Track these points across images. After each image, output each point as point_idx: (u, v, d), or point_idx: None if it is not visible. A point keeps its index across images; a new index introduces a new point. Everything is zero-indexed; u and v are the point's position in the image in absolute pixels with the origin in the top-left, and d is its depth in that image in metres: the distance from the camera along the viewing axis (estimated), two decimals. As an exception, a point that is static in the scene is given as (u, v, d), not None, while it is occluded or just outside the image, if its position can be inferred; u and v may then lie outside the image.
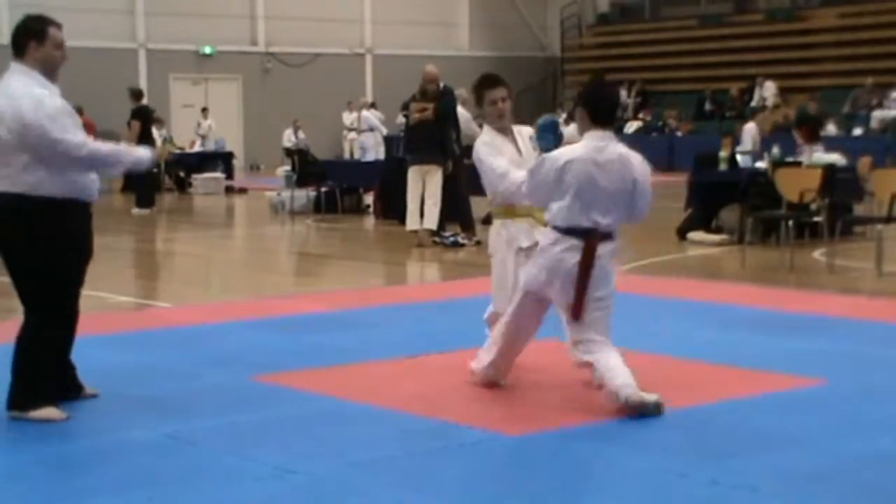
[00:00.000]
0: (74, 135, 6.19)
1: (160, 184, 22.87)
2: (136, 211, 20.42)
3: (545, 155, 6.61)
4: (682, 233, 15.09)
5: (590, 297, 6.46)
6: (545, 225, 7.01)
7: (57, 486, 5.27)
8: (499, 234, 7.42)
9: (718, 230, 15.06)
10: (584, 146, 6.45)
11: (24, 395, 6.23)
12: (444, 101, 14.92)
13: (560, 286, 6.47)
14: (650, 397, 6.21)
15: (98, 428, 6.13)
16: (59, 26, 6.52)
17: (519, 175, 7.01)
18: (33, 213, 6.15)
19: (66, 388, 6.51)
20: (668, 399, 6.29)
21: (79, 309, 6.47)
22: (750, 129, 23.53)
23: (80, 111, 31.15)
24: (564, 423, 6.19)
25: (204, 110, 31.26)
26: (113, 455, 5.70)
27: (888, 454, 5.58)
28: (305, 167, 20.75)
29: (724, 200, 15.03)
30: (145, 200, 20.73)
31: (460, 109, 15.84)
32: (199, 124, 31.07)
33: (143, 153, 6.54)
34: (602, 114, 6.55)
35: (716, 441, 5.83)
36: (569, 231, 6.44)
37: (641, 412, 6.16)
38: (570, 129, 32.87)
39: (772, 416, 6.30)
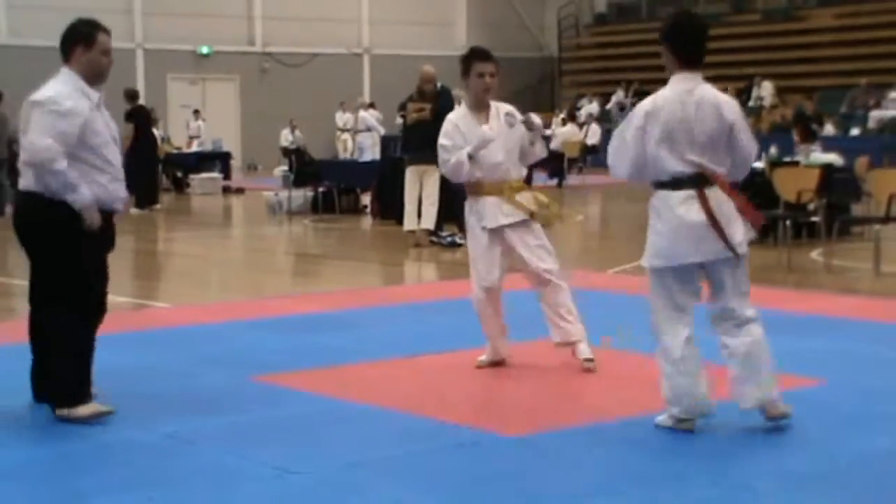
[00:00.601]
0: (44, 139, 6.12)
1: (158, 184, 22.79)
2: (135, 211, 20.40)
3: (630, 113, 6.07)
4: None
5: (733, 243, 5.83)
6: (514, 197, 7.39)
7: (57, 486, 5.27)
8: (469, 213, 7.58)
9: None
10: (671, 89, 5.94)
11: (70, 394, 6.21)
12: (441, 101, 14.91)
13: (694, 243, 5.84)
14: (786, 408, 5.93)
15: (97, 428, 6.12)
16: (108, 32, 6.59)
17: (459, 154, 7.30)
18: (52, 213, 6.18)
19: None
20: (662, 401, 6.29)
21: (105, 306, 6.62)
22: None
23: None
24: (563, 423, 6.20)
25: (196, 112, 31.22)
26: (112, 455, 5.70)
27: (887, 454, 5.59)
28: (303, 167, 20.74)
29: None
30: (145, 200, 20.70)
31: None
32: (187, 124, 31.05)
33: (89, 212, 6.24)
34: (691, 53, 5.99)
35: (715, 441, 5.83)
36: (676, 182, 5.86)
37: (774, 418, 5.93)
38: (565, 129, 32.73)
39: (770, 416, 6.30)
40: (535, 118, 7.69)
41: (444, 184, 14.73)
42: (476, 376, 7.39)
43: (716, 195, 5.87)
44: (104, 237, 6.40)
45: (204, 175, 26.35)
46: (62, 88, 6.28)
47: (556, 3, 40.47)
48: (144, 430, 6.07)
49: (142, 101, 22.82)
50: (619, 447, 5.75)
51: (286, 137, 31.38)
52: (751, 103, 32.10)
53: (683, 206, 5.83)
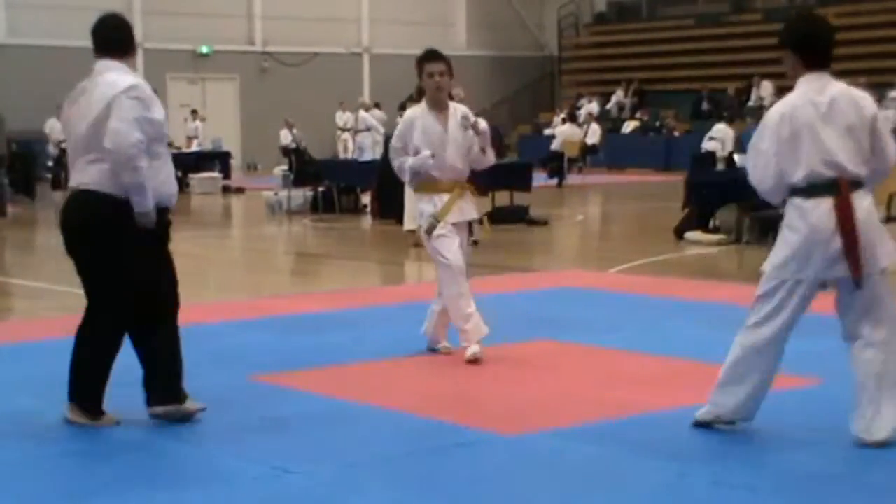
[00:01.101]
0: (135, 133, 5.89)
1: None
2: None
3: (761, 123, 5.75)
4: (679, 233, 15.09)
5: (867, 263, 5.51)
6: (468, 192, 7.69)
7: (56, 486, 5.26)
8: (428, 204, 7.80)
9: (716, 230, 15.06)
10: (800, 90, 5.63)
11: (176, 389, 6.21)
12: None
13: (822, 258, 5.54)
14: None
15: (97, 429, 6.11)
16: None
17: (402, 162, 7.68)
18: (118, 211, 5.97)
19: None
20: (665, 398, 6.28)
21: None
22: (722, 130, 23.07)
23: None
24: (562, 423, 6.19)
25: (194, 112, 31.17)
26: (110, 455, 5.69)
27: (886, 454, 5.57)
28: (302, 167, 20.74)
29: (722, 200, 15.03)
30: None
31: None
32: (185, 120, 31.01)
33: (148, 209, 6.03)
34: (817, 56, 5.69)
35: (714, 441, 5.82)
36: (811, 189, 5.52)
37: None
38: (565, 129, 32.73)
39: (770, 415, 6.28)
40: (483, 124, 7.90)
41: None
42: (473, 376, 7.38)
43: (860, 203, 5.54)
44: (165, 233, 6.24)
45: (204, 174, 26.35)
46: (136, 79, 6.07)
47: (555, 3, 40.48)
48: (143, 429, 6.06)
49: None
50: (618, 447, 5.73)
51: (286, 137, 31.38)
52: (751, 103, 32.08)
53: (818, 215, 5.52)
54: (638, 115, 35.01)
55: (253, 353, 8.06)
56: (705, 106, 33.60)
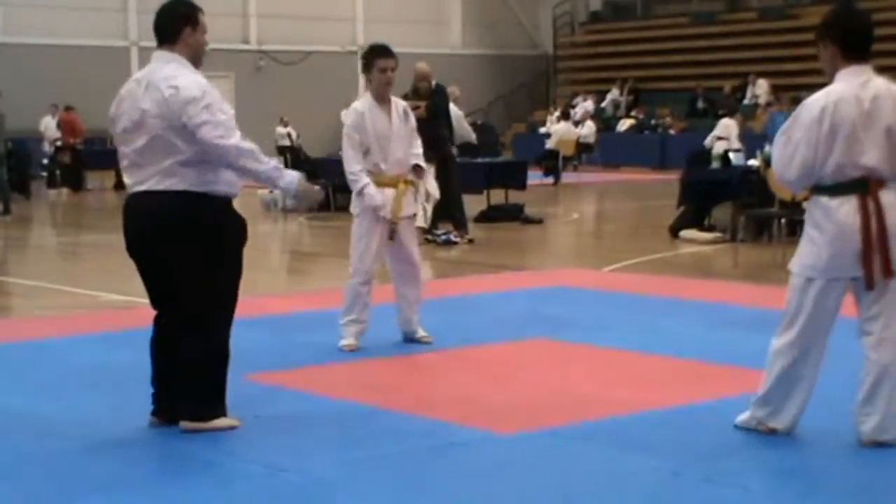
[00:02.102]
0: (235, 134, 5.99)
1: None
2: None
3: (796, 111, 5.58)
4: (674, 231, 15.10)
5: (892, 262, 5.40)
6: (411, 187, 7.96)
7: (52, 485, 5.26)
8: (363, 203, 7.99)
9: (711, 228, 15.07)
10: (843, 83, 5.45)
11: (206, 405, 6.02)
12: (436, 98, 14.90)
13: (849, 257, 5.45)
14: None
15: (93, 427, 6.11)
16: (203, 12, 6.22)
17: (355, 167, 7.85)
18: (209, 211, 5.96)
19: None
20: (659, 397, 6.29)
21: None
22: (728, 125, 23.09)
23: (69, 109, 30.97)
24: (555, 422, 6.19)
25: None
26: (105, 454, 5.69)
27: (886, 453, 5.58)
28: (297, 165, 20.72)
29: (717, 198, 15.04)
30: None
31: (452, 107, 15.82)
32: None
33: (291, 179, 6.13)
34: (858, 46, 5.50)
35: (709, 440, 5.83)
36: (837, 187, 5.42)
37: None
38: (560, 127, 32.70)
39: (764, 414, 6.29)
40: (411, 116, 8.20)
41: (440, 182, 14.75)
42: (468, 375, 7.39)
43: (890, 198, 5.46)
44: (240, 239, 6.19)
45: (199, 173, 26.27)
46: (195, 76, 6.01)
47: (550, 1, 40.47)
48: (138, 428, 6.06)
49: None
50: (613, 445, 5.74)
51: (282, 135, 31.34)
52: (746, 101, 32.09)
53: (844, 213, 5.43)
54: (633, 113, 35.02)
55: (248, 352, 8.03)
56: (700, 104, 33.61)
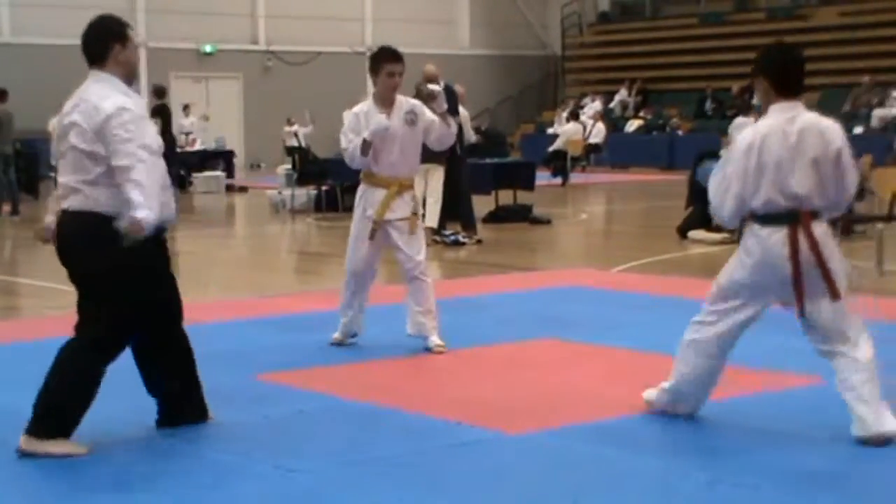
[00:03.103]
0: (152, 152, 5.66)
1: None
2: None
3: (730, 147, 5.95)
4: (682, 231, 15.09)
5: (811, 289, 5.71)
6: (407, 190, 7.89)
7: (56, 486, 5.27)
8: (360, 199, 8.04)
9: (719, 229, 15.04)
10: (772, 118, 5.73)
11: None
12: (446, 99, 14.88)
13: (777, 284, 5.77)
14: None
15: (98, 427, 6.11)
16: (132, 27, 5.98)
17: (356, 140, 7.77)
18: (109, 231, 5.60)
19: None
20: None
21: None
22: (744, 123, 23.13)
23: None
24: (565, 422, 6.19)
25: (185, 108, 31.01)
26: (113, 454, 5.70)
27: (888, 453, 5.58)
28: (306, 165, 20.75)
29: (725, 199, 15.00)
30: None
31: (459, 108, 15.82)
32: (198, 118, 30.87)
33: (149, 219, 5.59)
34: (790, 84, 5.78)
35: (716, 440, 5.83)
36: (768, 217, 5.71)
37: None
38: (568, 128, 32.62)
39: (772, 415, 6.30)
40: (434, 87, 8.19)
41: (448, 182, 14.77)
42: (477, 375, 7.40)
43: (818, 232, 5.71)
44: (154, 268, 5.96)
45: (207, 173, 26.36)
46: (120, 97, 5.65)
47: (559, 2, 40.45)
48: (145, 429, 6.07)
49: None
50: (621, 445, 5.74)
51: (289, 134, 31.36)
52: (755, 101, 32.02)
53: (773, 243, 5.69)
54: (642, 114, 35.00)
55: (257, 352, 8.07)
56: (709, 105, 33.58)
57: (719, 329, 5.93)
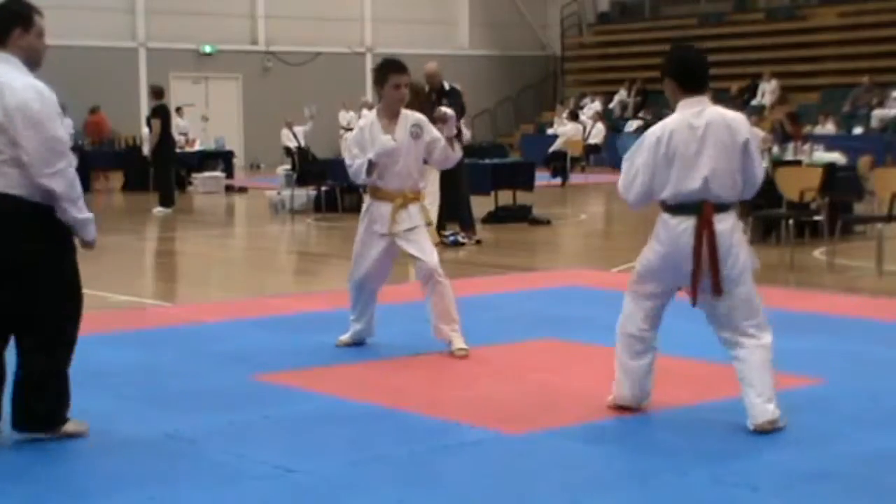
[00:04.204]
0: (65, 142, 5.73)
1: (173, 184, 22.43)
2: (158, 210, 20.33)
3: (639, 139, 6.19)
4: (682, 232, 15.07)
5: (711, 279, 5.93)
6: (413, 202, 7.84)
7: (57, 486, 5.27)
8: (365, 212, 8.03)
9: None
10: (680, 113, 6.02)
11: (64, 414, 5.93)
12: (451, 99, 14.91)
13: (679, 270, 6.01)
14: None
15: (98, 427, 6.11)
16: (42, 15, 5.88)
17: (359, 158, 7.74)
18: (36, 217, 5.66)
19: None
20: (671, 398, 6.29)
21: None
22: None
23: (94, 111, 30.83)
24: (564, 422, 6.19)
25: (178, 109, 30.98)
26: (113, 454, 5.69)
27: (888, 453, 5.59)
28: (306, 166, 20.74)
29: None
30: (168, 200, 20.61)
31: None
32: (201, 119, 30.81)
33: (92, 234, 5.79)
34: (693, 80, 6.07)
35: (716, 440, 5.83)
36: (678, 208, 5.95)
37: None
38: (568, 128, 32.58)
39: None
40: (449, 111, 8.08)
41: (447, 183, 14.75)
42: (477, 375, 7.40)
43: (724, 223, 5.93)
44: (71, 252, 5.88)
45: (207, 174, 26.36)
46: (29, 80, 5.65)
47: (558, 2, 40.44)
48: (144, 428, 6.06)
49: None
50: (622, 445, 5.75)
51: (288, 137, 31.37)
52: (758, 100, 31.95)
53: (681, 232, 5.94)
54: (641, 114, 34.97)
55: (256, 353, 8.07)
56: (708, 105, 33.56)
57: (643, 313, 6.20)
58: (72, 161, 5.76)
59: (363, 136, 7.88)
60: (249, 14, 36.28)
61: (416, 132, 7.88)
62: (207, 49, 35.18)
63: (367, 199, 8.08)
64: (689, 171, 5.88)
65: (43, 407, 5.83)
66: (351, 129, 32.95)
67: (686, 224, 5.91)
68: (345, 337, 8.22)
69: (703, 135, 5.89)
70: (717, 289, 5.92)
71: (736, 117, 6.04)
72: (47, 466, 5.53)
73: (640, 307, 6.21)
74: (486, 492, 5.13)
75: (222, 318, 9.53)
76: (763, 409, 5.88)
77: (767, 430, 5.86)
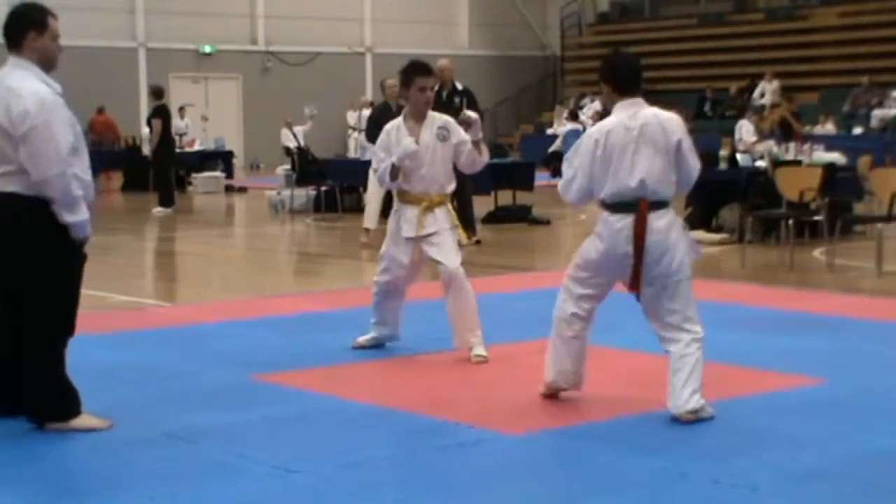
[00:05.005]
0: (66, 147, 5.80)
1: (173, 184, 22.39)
2: (158, 210, 20.32)
3: (579, 140, 6.40)
4: (682, 232, 15.07)
5: (650, 274, 6.17)
6: (439, 206, 7.80)
7: (56, 486, 5.27)
8: (393, 215, 7.97)
9: (718, 229, 15.07)
10: (615, 116, 6.24)
11: (62, 406, 6.00)
12: (467, 100, 14.95)
13: (618, 266, 6.24)
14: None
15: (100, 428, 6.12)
16: (56, 17, 6.07)
17: (385, 163, 7.71)
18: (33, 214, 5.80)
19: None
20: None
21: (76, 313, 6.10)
22: (745, 125, 23.20)
23: (102, 110, 30.70)
24: (565, 422, 6.20)
25: (181, 109, 30.99)
26: (113, 454, 5.69)
27: (888, 453, 5.59)
28: (305, 166, 20.73)
29: (725, 199, 15.03)
30: (168, 200, 20.60)
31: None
32: (201, 119, 30.74)
33: (84, 221, 5.89)
34: (626, 83, 6.30)
35: (716, 440, 5.83)
36: (617, 206, 6.18)
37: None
38: (569, 128, 32.50)
39: (772, 415, 6.30)
40: (472, 114, 7.96)
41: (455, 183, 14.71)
42: (476, 376, 7.40)
43: (662, 220, 6.15)
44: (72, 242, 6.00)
45: (207, 174, 26.35)
46: (39, 86, 5.84)
47: (558, 2, 40.43)
48: (145, 429, 6.06)
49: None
50: (620, 445, 5.74)
51: (287, 137, 31.36)
52: (761, 100, 31.91)
53: (619, 234, 6.16)
54: (640, 114, 34.95)
55: (255, 353, 8.07)
56: (708, 106, 33.57)
57: (578, 303, 6.45)
58: (66, 168, 5.78)
59: (389, 140, 7.83)
60: (249, 14, 36.27)
61: (444, 134, 7.81)
62: (207, 49, 35.17)
63: (395, 201, 8.01)
64: (626, 171, 6.11)
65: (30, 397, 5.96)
66: (356, 129, 33.06)
67: (624, 222, 6.14)
68: (363, 339, 8.17)
69: (637, 135, 6.12)
70: (635, 286, 6.20)
71: (670, 118, 6.29)
72: (47, 466, 5.53)
73: (575, 297, 6.45)
74: (486, 492, 5.13)
75: (222, 318, 9.52)
76: (688, 398, 6.06)
77: (689, 420, 6.03)
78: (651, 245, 6.12)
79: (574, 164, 6.28)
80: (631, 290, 6.27)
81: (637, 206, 6.11)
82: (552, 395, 6.62)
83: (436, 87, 7.91)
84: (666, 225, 6.17)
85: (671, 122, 6.27)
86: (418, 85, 7.78)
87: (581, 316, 6.46)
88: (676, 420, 6.06)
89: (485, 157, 8.00)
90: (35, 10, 5.99)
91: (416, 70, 7.84)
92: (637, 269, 6.14)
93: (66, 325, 5.99)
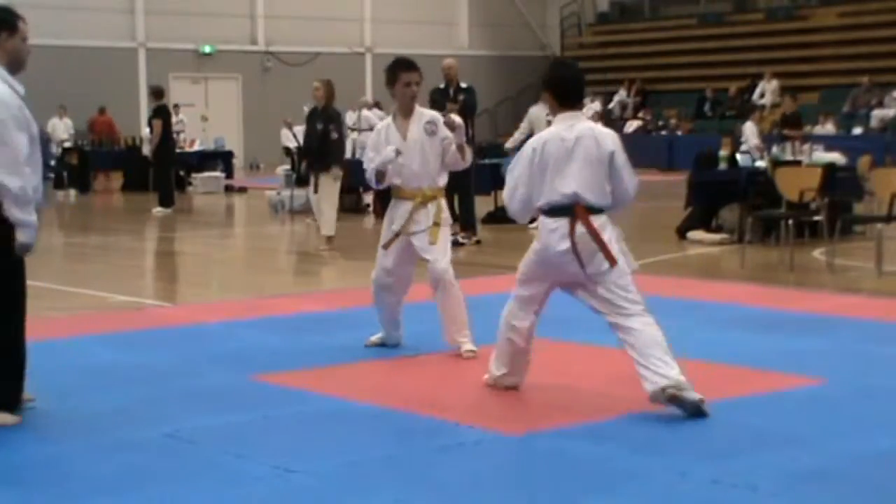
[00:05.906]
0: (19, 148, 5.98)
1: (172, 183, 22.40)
2: (157, 210, 20.32)
3: (521, 151, 6.64)
4: (681, 232, 15.09)
5: (587, 272, 6.42)
6: (432, 201, 7.87)
7: (56, 486, 5.27)
8: (388, 212, 8.07)
9: (718, 229, 15.06)
10: (555, 126, 6.49)
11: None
12: (467, 97, 14.97)
13: (558, 270, 6.50)
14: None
15: (97, 427, 6.12)
16: (25, 21, 6.32)
17: (375, 160, 7.80)
18: None
19: None
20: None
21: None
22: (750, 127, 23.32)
23: (103, 111, 30.82)
24: (564, 422, 6.20)
25: (175, 106, 30.96)
26: (112, 454, 5.69)
27: (888, 453, 5.58)
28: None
29: (724, 200, 15.03)
30: (168, 200, 20.60)
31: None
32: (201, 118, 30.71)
33: (30, 237, 6.20)
34: (568, 96, 6.52)
35: (716, 440, 5.83)
36: (552, 210, 6.44)
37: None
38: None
39: (771, 415, 6.30)
40: (457, 119, 8.01)
41: (457, 185, 14.71)
42: (477, 375, 7.39)
43: (595, 221, 6.40)
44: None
45: (206, 174, 26.36)
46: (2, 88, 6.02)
47: (558, 2, 40.47)
48: (145, 429, 6.06)
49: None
50: (620, 446, 5.74)
51: (287, 137, 31.35)
52: (762, 100, 31.92)
53: (554, 234, 6.42)
54: (640, 114, 34.99)
55: (254, 353, 8.07)
56: (708, 105, 33.59)
57: (524, 305, 6.74)
58: (22, 170, 5.95)
59: (379, 140, 7.91)
60: (249, 14, 36.29)
61: (431, 129, 7.88)
62: (207, 49, 35.18)
63: (392, 199, 8.06)
64: (561, 180, 6.36)
65: None
66: (356, 129, 33.05)
67: (559, 223, 6.40)
68: (374, 338, 8.22)
69: (572, 147, 6.36)
70: (612, 260, 6.41)
71: (604, 132, 6.52)
72: (47, 467, 5.53)
73: (522, 300, 6.74)
74: (485, 492, 5.13)
75: (222, 318, 9.52)
76: (679, 371, 6.23)
77: (689, 387, 6.17)
78: (583, 241, 6.35)
79: (515, 175, 6.55)
80: (570, 289, 6.58)
81: (572, 209, 6.36)
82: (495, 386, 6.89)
83: (420, 82, 7.90)
84: (599, 225, 6.41)
85: (605, 136, 6.48)
86: (403, 80, 7.85)
87: (526, 318, 6.76)
88: (671, 394, 6.17)
89: (468, 160, 8.06)
90: (6, 12, 6.23)
91: (399, 66, 7.93)
92: (581, 262, 6.37)
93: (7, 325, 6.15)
